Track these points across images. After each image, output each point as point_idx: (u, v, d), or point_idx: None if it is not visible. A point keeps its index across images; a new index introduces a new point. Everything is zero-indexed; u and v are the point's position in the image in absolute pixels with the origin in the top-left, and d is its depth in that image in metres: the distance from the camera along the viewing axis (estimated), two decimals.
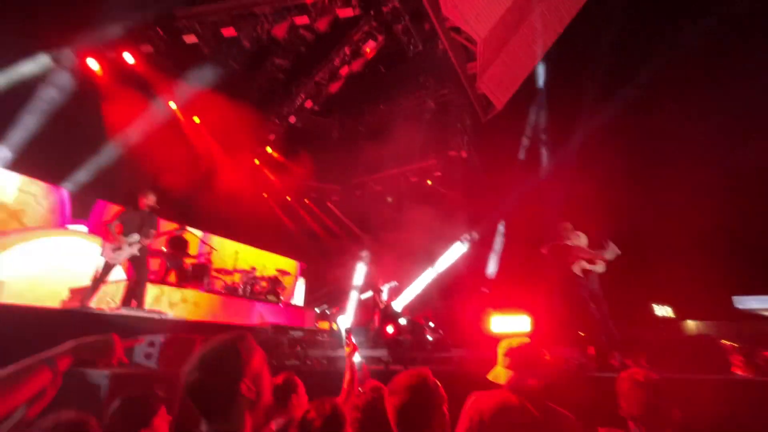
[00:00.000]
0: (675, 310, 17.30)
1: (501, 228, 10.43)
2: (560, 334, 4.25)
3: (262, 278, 8.85)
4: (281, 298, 8.55)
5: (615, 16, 10.01)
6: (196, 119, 9.98)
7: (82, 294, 4.99)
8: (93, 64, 7.48)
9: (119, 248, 4.83)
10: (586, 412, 1.68)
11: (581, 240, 4.31)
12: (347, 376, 2.63)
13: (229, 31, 7.87)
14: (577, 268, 4.12)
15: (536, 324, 4.05)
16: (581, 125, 10.36)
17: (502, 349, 1.77)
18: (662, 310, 17.45)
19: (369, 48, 8.93)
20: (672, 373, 2.97)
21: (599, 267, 4.25)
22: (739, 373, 3.15)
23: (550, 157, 10.75)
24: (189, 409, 1.06)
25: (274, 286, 8.62)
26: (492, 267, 9.66)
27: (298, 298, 11.29)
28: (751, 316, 15.56)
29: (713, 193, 10.46)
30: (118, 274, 5.42)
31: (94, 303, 4.91)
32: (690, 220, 11.12)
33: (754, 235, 11.26)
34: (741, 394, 2.34)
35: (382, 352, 4.34)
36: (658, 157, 11.54)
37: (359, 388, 2.31)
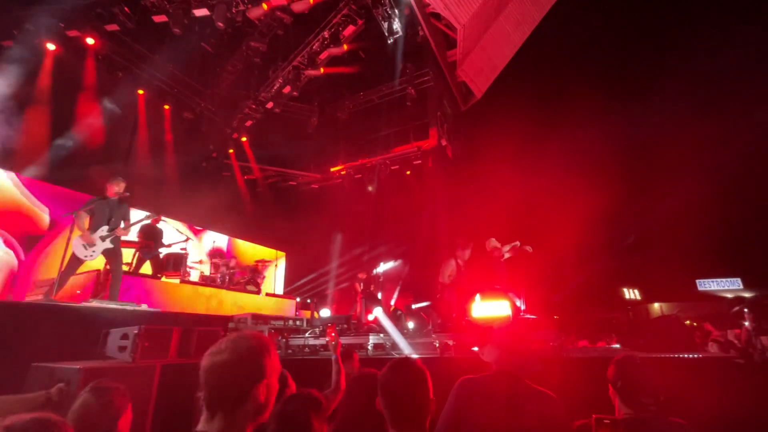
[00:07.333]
0: (642, 293, 18.32)
1: None
2: (539, 317, 4.40)
3: (241, 268, 8.67)
4: (261, 288, 8.41)
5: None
6: (166, 107, 9.57)
7: (48, 287, 4.74)
8: (52, 45, 7.04)
9: (92, 244, 4.63)
10: (566, 391, 1.75)
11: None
12: (335, 369, 2.50)
13: (201, 11, 7.50)
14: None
15: (516, 309, 4.15)
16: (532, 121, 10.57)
17: (489, 332, 1.82)
18: (631, 293, 18.41)
19: (348, 32, 8.72)
20: (639, 351, 3.11)
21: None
22: (707, 350, 3.34)
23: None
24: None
25: (254, 276, 8.46)
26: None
27: (279, 287, 11.16)
28: (711, 297, 16.68)
29: (680, 189, 11.07)
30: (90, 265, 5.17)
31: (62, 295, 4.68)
32: (658, 211, 11.77)
33: (715, 224, 12.03)
34: (708, 370, 2.50)
35: (364, 339, 4.34)
36: (631, 153, 12.02)
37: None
